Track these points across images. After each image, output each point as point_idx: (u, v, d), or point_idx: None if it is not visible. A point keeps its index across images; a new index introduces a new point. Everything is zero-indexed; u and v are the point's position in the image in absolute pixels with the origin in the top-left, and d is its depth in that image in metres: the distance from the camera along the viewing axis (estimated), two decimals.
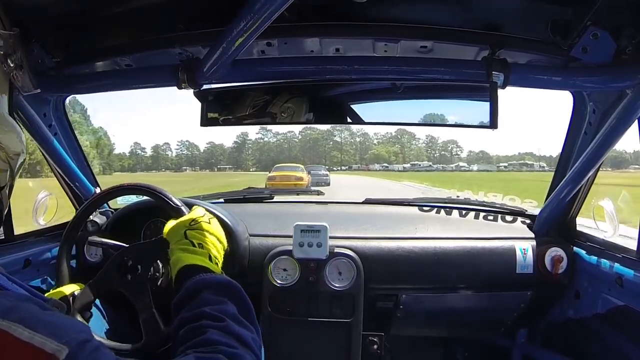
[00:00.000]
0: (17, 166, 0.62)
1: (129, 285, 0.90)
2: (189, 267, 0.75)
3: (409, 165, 61.10)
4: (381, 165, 63.30)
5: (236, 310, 0.65)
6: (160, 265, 1.04)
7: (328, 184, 18.90)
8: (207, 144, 76.31)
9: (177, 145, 74.25)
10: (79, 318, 0.88)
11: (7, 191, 0.61)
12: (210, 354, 0.55)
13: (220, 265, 0.80)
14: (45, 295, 0.89)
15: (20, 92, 1.02)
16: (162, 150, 72.49)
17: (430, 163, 64.86)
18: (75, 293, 0.90)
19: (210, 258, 0.78)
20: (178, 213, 0.91)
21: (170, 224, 0.85)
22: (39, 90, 1.00)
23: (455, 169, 54.52)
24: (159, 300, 0.92)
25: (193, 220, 0.83)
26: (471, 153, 73.74)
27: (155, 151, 71.63)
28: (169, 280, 1.06)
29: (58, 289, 0.91)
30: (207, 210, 0.90)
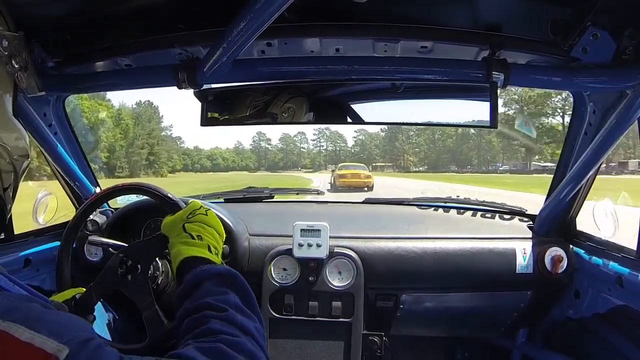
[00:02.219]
0: (22, 168, 0.62)
1: (130, 285, 0.90)
2: (189, 259, 0.75)
3: None
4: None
5: (238, 299, 0.64)
6: (160, 264, 1.04)
7: None
8: (355, 132, 54.00)
9: (315, 134, 54.34)
10: None
11: (10, 192, 0.61)
12: (210, 343, 0.55)
13: (220, 255, 0.81)
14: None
15: (24, 93, 1.02)
16: (294, 142, 54.97)
17: None
18: (77, 297, 0.90)
19: (209, 249, 0.78)
20: (174, 208, 0.91)
21: (167, 219, 0.85)
22: (43, 93, 1.00)
23: None
24: (160, 298, 0.92)
25: (190, 213, 0.83)
26: None
27: (286, 144, 54.74)
28: (169, 279, 1.06)
29: (59, 294, 0.91)
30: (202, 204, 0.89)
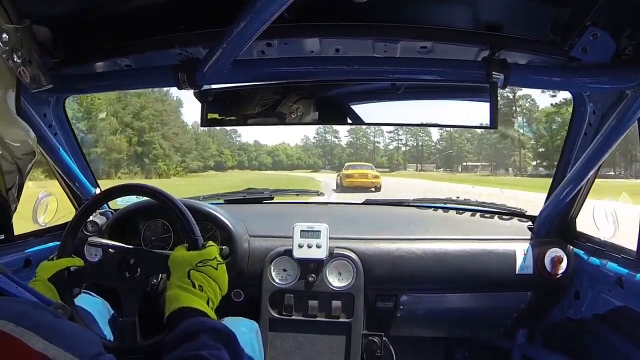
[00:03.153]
0: (27, 167, 0.59)
1: (124, 283, 0.90)
2: (186, 309, 0.74)
3: None
4: None
5: (229, 358, 0.64)
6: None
7: None
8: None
9: (391, 129, 41.50)
10: (67, 293, 0.88)
11: (14, 192, 0.59)
12: None
13: (214, 310, 0.80)
14: (43, 263, 0.89)
15: (29, 89, 1.01)
16: (366, 136, 42.74)
17: None
18: (72, 268, 0.89)
19: (207, 302, 0.78)
20: (191, 243, 0.88)
21: (178, 254, 0.84)
22: (51, 86, 1.00)
23: None
24: (147, 305, 0.91)
25: (201, 261, 0.81)
26: None
27: (356, 137, 42.51)
28: (165, 285, 1.05)
29: (56, 261, 0.90)
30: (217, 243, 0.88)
